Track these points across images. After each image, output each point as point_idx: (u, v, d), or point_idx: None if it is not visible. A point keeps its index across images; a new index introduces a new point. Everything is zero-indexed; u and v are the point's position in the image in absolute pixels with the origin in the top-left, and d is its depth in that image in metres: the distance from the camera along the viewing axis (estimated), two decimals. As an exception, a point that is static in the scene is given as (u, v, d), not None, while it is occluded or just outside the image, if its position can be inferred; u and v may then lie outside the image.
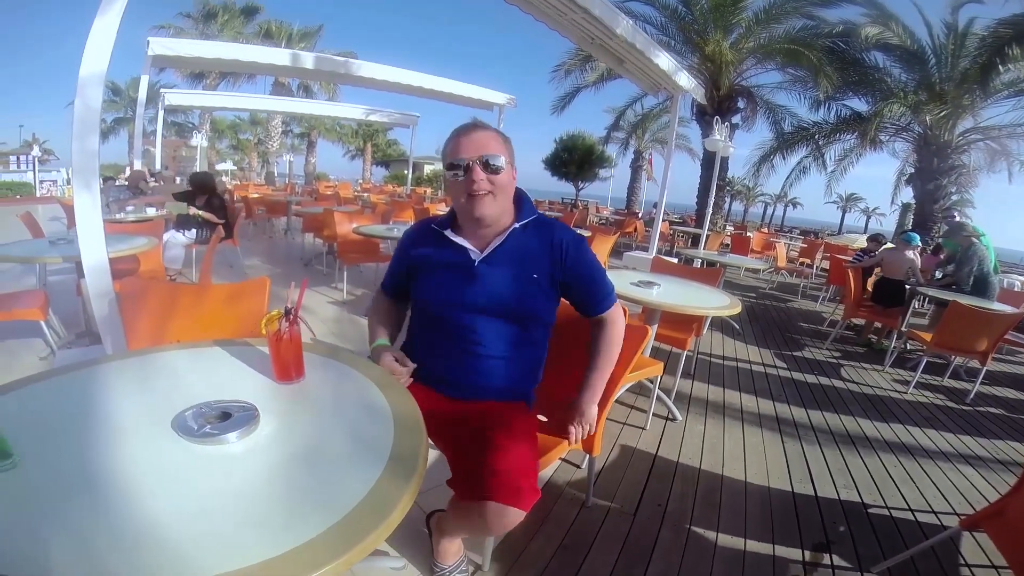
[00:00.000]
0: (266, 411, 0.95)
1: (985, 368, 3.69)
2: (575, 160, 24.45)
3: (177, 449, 0.84)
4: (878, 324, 4.98)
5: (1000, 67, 8.86)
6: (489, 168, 1.24)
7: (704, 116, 11.53)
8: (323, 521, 0.68)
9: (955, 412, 3.49)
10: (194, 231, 4.94)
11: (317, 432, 0.95)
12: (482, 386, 1.37)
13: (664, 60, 5.91)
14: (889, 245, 5.89)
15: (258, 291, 1.74)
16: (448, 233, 1.36)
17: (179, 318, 1.74)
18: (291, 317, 1.07)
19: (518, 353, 1.38)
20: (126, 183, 6.54)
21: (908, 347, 4.93)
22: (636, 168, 22.37)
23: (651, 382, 2.75)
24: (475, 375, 1.36)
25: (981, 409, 3.61)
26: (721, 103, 11.39)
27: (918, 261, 5.00)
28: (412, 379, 1.34)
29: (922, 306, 7.00)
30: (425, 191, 19.88)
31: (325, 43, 23.50)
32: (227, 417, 0.91)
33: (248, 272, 5.45)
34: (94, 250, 2.09)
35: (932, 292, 4.67)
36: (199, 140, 16.50)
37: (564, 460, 2.25)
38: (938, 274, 5.24)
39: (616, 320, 1.45)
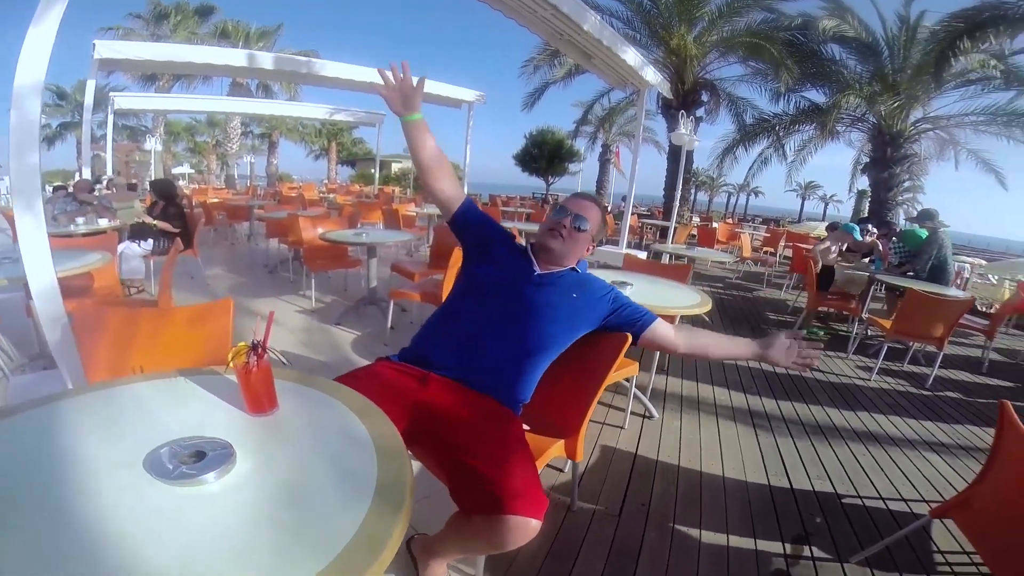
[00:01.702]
0: (242, 447, 0.90)
1: (942, 353, 3.85)
2: (545, 155, 24.52)
3: (154, 492, 0.79)
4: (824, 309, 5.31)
5: (952, 60, 9.21)
6: (576, 225, 1.59)
7: (669, 110, 11.71)
8: (315, 563, 0.66)
9: (916, 398, 3.64)
10: (151, 241, 4.74)
11: (297, 466, 0.91)
12: (489, 371, 1.44)
13: (631, 55, 5.95)
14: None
15: (222, 313, 1.67)
16: (529, 249, 1.66)
17: (139, 343, 1.65)
18: (259, 351, 1.02)
19: (526, 361, 1.49)
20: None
21: (869, 333, 5.11)
22: (604, 161, 22.55)
23: (627, 381, 2.77)
24: (489, 362, 1.45)
25: (940, 394, 3.77)
26: (686, 96, 11.59)
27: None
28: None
29: (879, 291, 7.25)
30: (393, 190, 19.52)
31: (285, 42, 22.87)
32: (202, 455, 0.86)
33: (210, 282, 5.25)
34: (42, 273, 1.94)
35: (889, 279, 4.84)
36: (153, 144, 15.68)
37: (547, 464, 2.24)
38: (894, 260, 5.44)
39: (666, 325, 1.63)
